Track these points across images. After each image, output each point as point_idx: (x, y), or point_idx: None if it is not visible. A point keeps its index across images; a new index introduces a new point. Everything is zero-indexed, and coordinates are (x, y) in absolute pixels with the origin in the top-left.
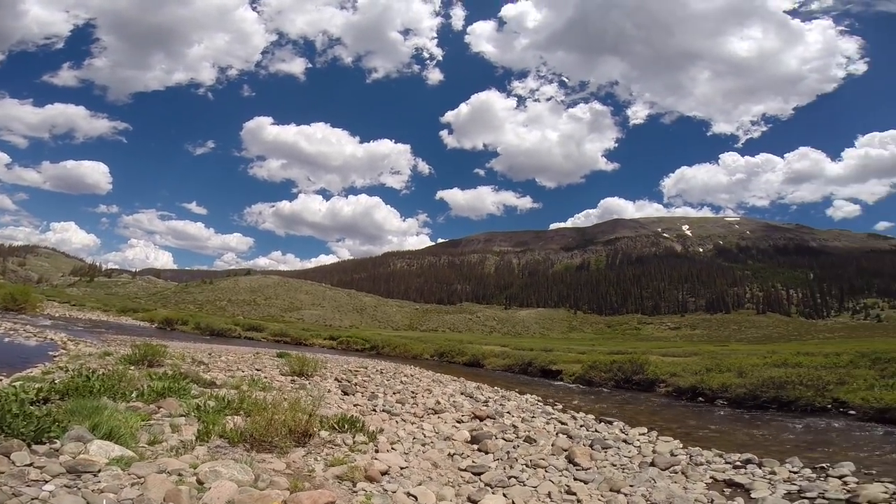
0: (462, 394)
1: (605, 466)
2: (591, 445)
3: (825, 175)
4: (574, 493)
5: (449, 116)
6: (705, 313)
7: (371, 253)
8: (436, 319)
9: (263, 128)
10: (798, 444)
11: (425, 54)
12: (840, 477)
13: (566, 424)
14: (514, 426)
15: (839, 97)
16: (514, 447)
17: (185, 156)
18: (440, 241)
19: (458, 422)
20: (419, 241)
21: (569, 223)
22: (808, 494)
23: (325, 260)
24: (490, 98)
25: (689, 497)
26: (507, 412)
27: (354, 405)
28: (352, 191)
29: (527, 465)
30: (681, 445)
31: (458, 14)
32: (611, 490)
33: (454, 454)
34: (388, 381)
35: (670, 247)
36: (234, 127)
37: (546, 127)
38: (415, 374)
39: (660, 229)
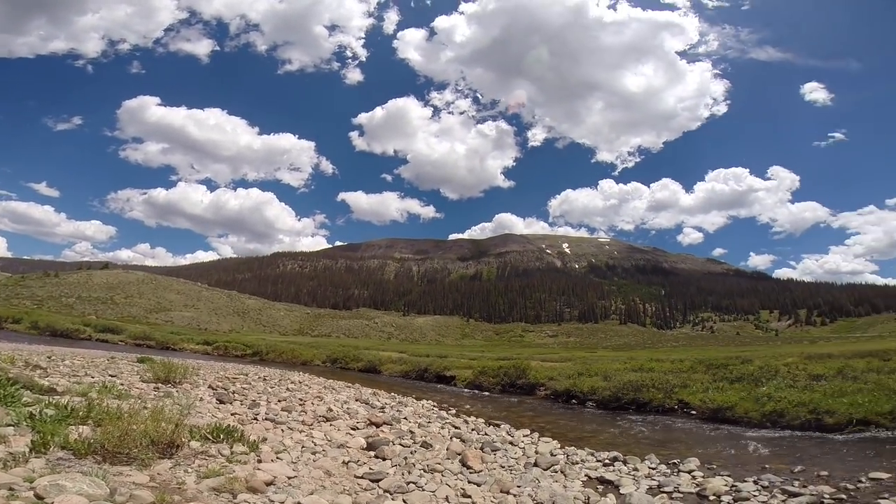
0: (357, 400)
1: (495, 468)
2: (481, 448)
3: (679, 205)
4: (469, 496)
5: (362, 118)
6: (578, 323)
7: (258, 252)
8: (329, 324)
9: (147, 108)
10: (653, 441)
11: (348, 53)
12: (689, 472)
13: (459, 429)
14: (412, 432)
15: (700, 135)
16: (411, 452)
17: (42, 131)
18: (338, 244)
19: (352, 429)
20: (314, 242)
21: (466, 235)
22: (666, 489)
23: (204, 256)
24: (407, 105)
25: (568, 495)
26: (405, 418)
27: (232, 414)
28: (242, 183)
29: (424, 470)
30: (559, 446)
31: (391, 18)
32: (501, 491)
33: (349, 462)
34: (272, 388)
35: (552, 262)
36: (112, 104)
37: (456, 140)
38: (304, 381)
39: (544, 245)
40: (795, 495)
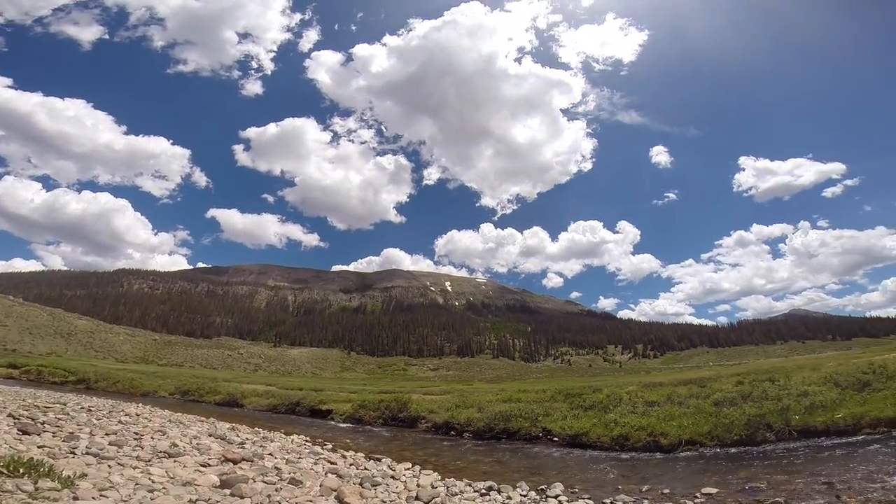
0: (211, 435)
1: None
2: (360, 484)
3: (545, 252)
4: None
5: (252, 132)
6: (457, 357)
7: (97, 266)
8: (182, 353)
9: None
10: (524, 469)
11: (254, 64)
12: (556, 497)
13: (336, 464)
14: (277, 468)
15: (568, 188)
16: (276, 490)
17: None
18: (201, 265)
19: (202, 466)
20: (172, 261)
21: (351, 267)
22: None
23: (23, 266)
24: (305, 126)
25: None
26: (270, 454)
27: (39, 447)
28: (90, 186)
29: None
30: (439, 478)
31: (310, 37)
32: None
33: (197, 500)
34: (98, 420)
35: (435, 299)
36: None
37: (352, 169)
38: (142, 414)
39: (428, 283)
40: None
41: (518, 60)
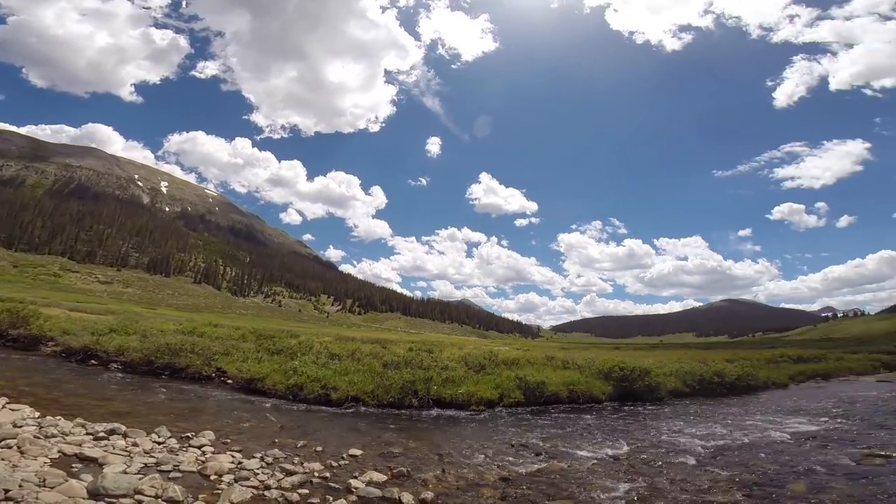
0: None
1: None
2: None
3: (296, 187)
4: None
5: None
6: (145, 272)
7: None
8: None
9: None
10: (175, 412)
11: None
12: (200, 447)
13: None
14: None
15: (347, 139)
16: None
17: None
18: None
19: None
20: None
21: (25, 129)
22: (164, 467)
23: None
24: None
25: (15, 478)
26: None
27: None
28: None
29: None
30: (36, 415)
31: None
32: None
33: None
34: None
35: (138, 196)
36: None
37: (105, 29)
38: None
39: (137, 176)
40: (291, 473)
41: (383, 9)
